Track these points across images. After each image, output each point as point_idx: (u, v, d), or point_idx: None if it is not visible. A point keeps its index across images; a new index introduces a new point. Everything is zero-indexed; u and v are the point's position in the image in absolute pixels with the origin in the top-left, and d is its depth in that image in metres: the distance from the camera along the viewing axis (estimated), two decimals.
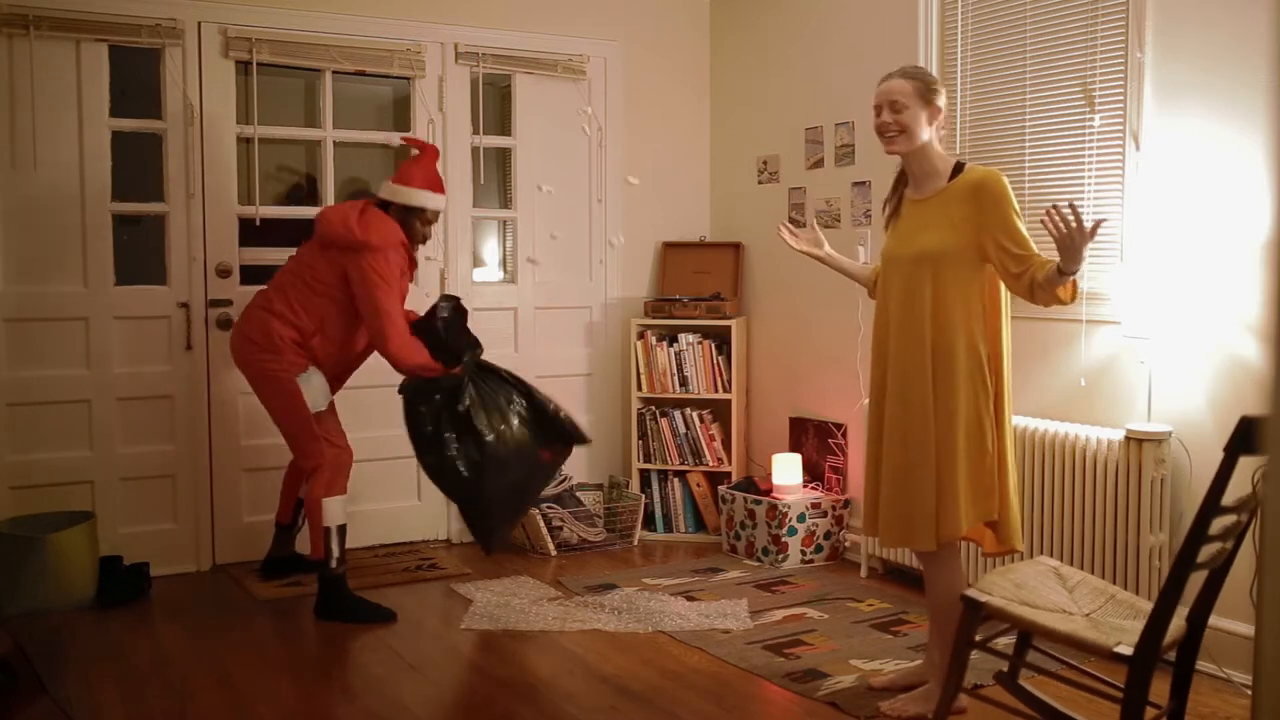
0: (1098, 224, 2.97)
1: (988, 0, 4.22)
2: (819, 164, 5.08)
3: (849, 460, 4.94)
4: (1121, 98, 3.74)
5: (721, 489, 5.15)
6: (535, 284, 5.42)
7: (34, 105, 4.39)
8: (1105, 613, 2.71)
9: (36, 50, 4.38)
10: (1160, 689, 2.73)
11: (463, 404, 4.11)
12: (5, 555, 4.16)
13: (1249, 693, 3.28)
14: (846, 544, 4.91)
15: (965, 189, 3.12)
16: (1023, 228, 3.07)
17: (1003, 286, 3.16)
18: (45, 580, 4.16)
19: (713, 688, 3.48)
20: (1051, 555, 3.84)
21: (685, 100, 5.75)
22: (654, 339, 5.40)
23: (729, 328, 5.35)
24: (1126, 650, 2.46)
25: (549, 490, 5.17)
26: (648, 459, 5.38)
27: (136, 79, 4.63)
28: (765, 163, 5.41)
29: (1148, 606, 2.56)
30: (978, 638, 2.81)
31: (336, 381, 4.34)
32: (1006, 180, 3.12)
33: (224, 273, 4.74)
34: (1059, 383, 3.98)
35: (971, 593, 2.75)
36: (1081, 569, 3.72)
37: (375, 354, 4.27)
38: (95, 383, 4.56)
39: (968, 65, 4.27)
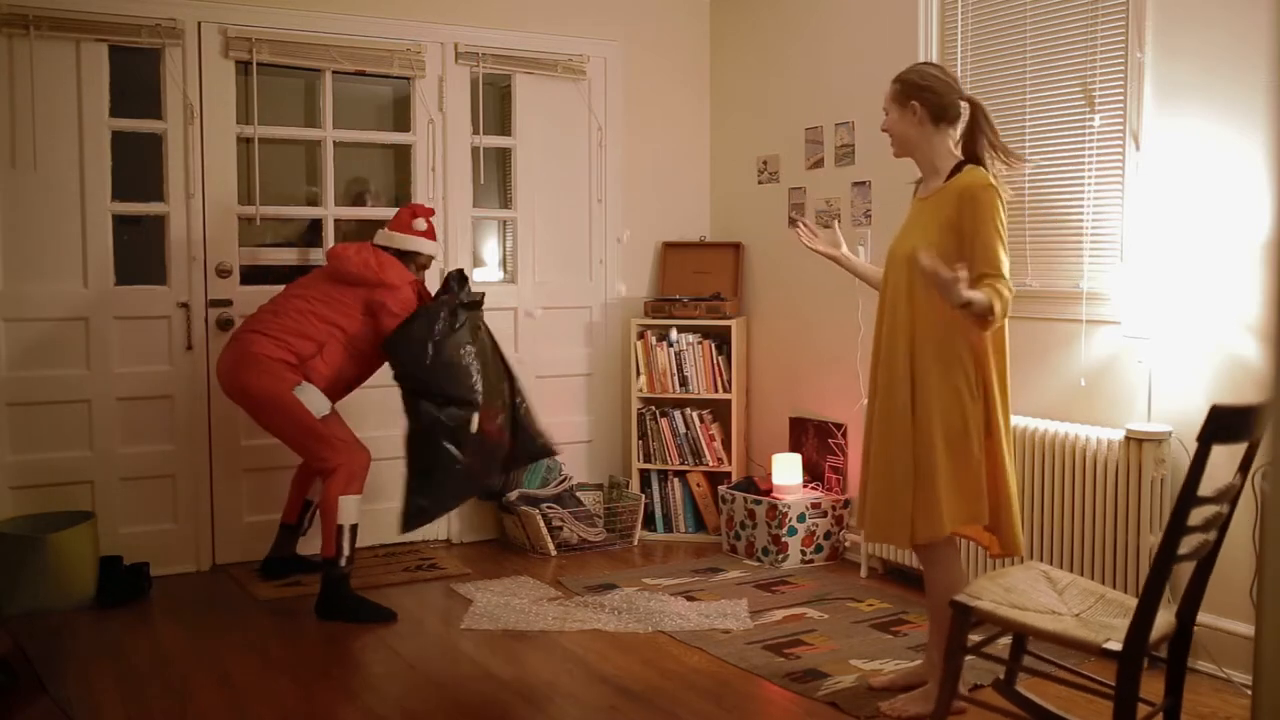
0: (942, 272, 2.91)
1: (988, 0, 4.22)
2: (819, 164, 5.08)
3: (849, 460, 4.94)
4: (1121, 98, 3.74)
5: (721, 489, 5.15)
6: (535, 284, 5.42)
7: (34, 105, 4.39)
8: (1095, 612, 2.71)
9: (36, 50, 4.38)
10: (1157, 688, 2.73)
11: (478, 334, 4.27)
12: (5, 555, 4.16)
13: (1249, 693, 3.28)
14: (846, 544, 4.91)
15: (954, 192, 3.12)
16: (996, 245, 3.03)
17: None
18: (45, 580, 4.17)
19: (713, 688, 3.48)
20: (1051, 555, 3.84)
21: (685, 100, 5.75)
22: (654, 339, 5.40)
23: (729, 328, 5.35)
24: (1115, 646, 2.47)
25: (549, 490, 5.17)
26: (648, 459, 5.38)
27: (136, 79, 4.62)
28: (765, 163, 5.41)
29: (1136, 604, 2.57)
30: (974, 642, 2.82)
31: (336, 396, 4.35)
32: (995, 190, 3.07)
33: (224, 273, 4.74)
34: (1059, 383, 3.98)
35: (961, 598, 2.76)
36: (1081, 569, 3.73)
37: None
38: (95, 383, 4.56)
39: (968, 65, 4.27)
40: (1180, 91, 3.58)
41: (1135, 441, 3.58)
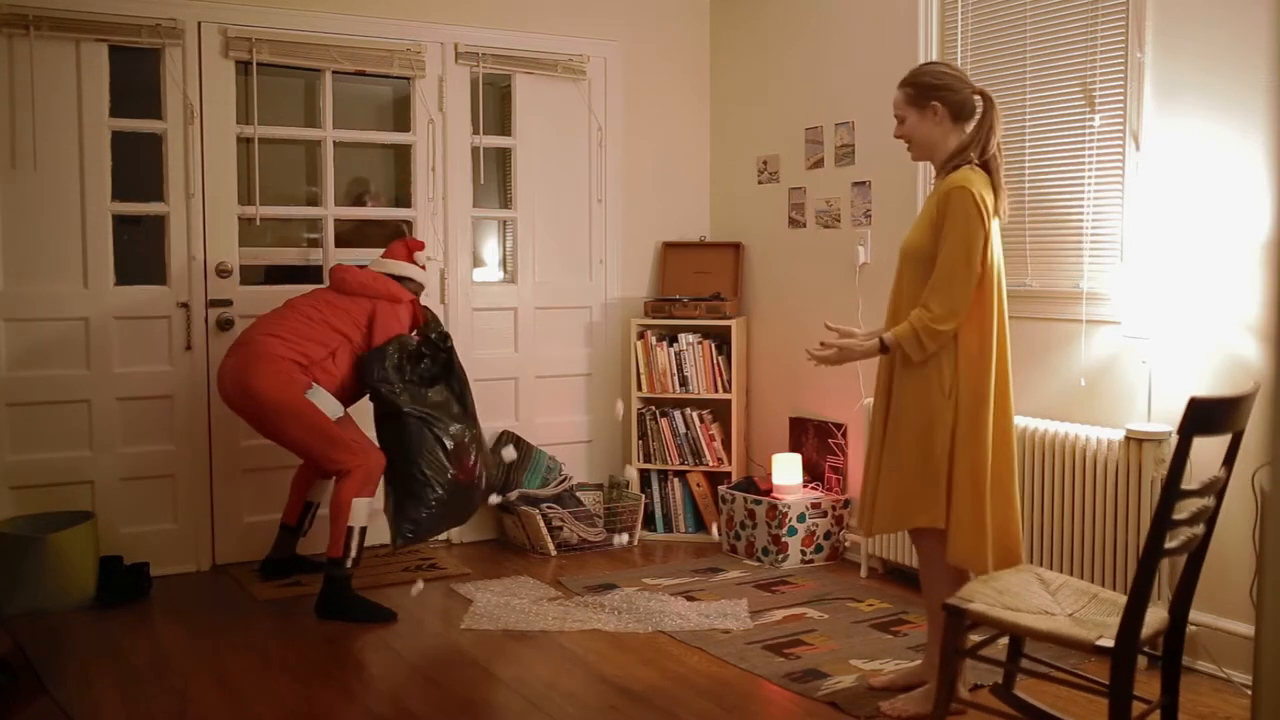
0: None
1: (988, 0, 4.22)
2: (819, 164, 5.08)
3: (849, 460, 4.94)
4: (1121, 98, 3.74)
5: (721, 489, 5.15)
6: (535, 284, 5.42)
7: (34, 105, 4.39)
8: (1088, 611, 2.72)
9: (36, 50, 4.38)
10: (1155, 686, 2.73)
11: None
12: (5, 555, 4.16)
13: (1249, 693, 3.28)
14: (846, 544, 4.91)
15: (940, 191, 3.13)
16: (950, 258, 3.03)
17: (999, 292, 3.14)
18: (45, 580, 4.17)
19: (713, 688, 3.48)
20: (1051, 555, 3.84)
21: (685, 100, 5.75)
22: (654, 339, 5.40)
23: (729, 328, 5.35)
24: (1108, 643, 2.48)
25: (549, 490, 5.17)
26: (648, 459, 5.38)
27: (136, 79, 4.62)
28: (765, 163, 5.41)
29: None
30: (972, 644, 2.82)
31: (347, 401, 4.36)
32: (968, 191, 3.05)
33: (224, 273, 4.74)
34: (1059, 383, 3.98)
35: (954, 601, 2.76)
36: (1081, 569, 3.73)
37: None
38: (95, 383, 4.56)
39: (968, 65, 4.27)
40: (1180, 91, 3.58)
41: (1135, 441, 3.58)
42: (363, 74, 5.01)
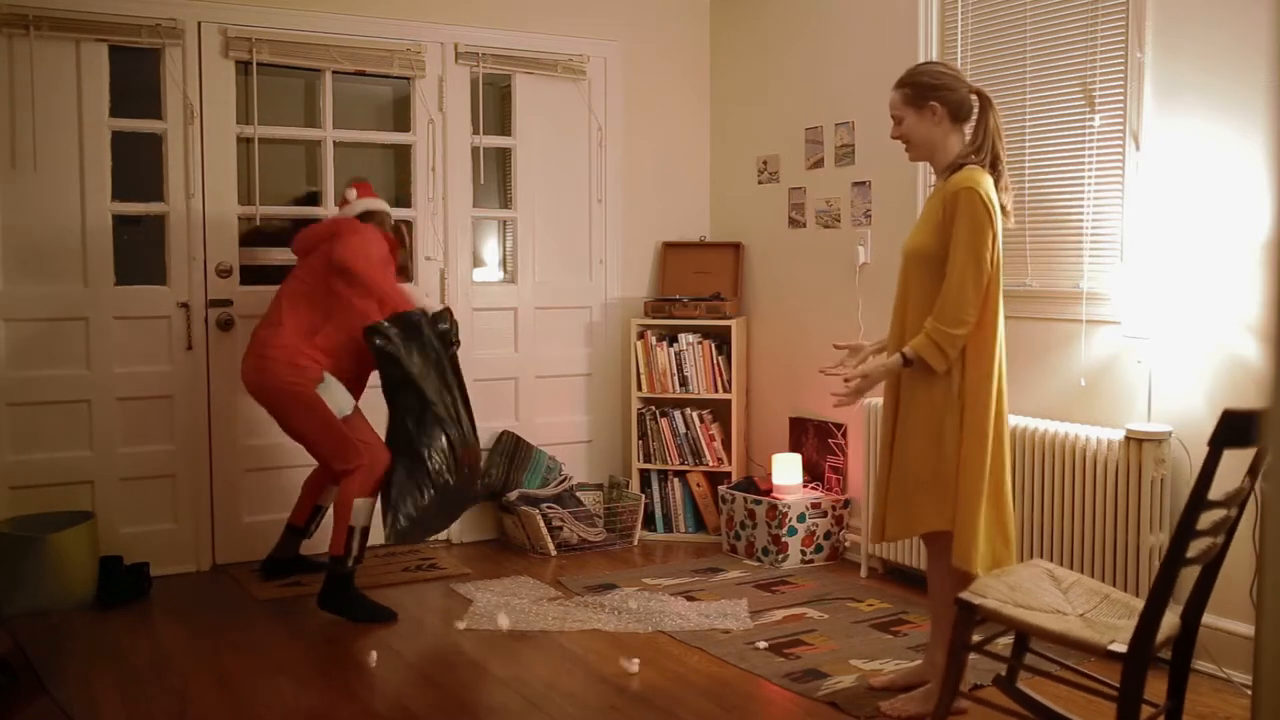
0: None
1: (988, 0, 4.22)
2: (819, 164, 5.08)
3: (849, 460, 4.94)
4: (1121, 98, 3.74)
5: (721, 489, 5.15)
6: (535, 284, 5.42)
7: (34, 105, 4.39)
8: (1099, 612, 2.71)
9: (36, 50, 4.38)
10: (1159, 688, 2.73)
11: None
12: (5, 555, 4.16)
13: (1249, 693, 3.28)
14: (846, 544, 4.91)
15: (946, 192, 3.11)
16: (961, 265, 3.02)
17: (998, 295, 3.14)
18: (45, 580, 4.16)
19: (713, 688, 3.48)
20: (1051, 555, 3.84)
21: (685, 100, 5.75)
22: (654, 339, 5.40)
23: (729, 328, 5.35)
24: (1120, 648, 2.47)
25: (549, 490, 5.17)
26: (648, 459, 5.38)
27: (136, 79, 4.63)
28: (765, 163, 5.41)
29: (1141, 605, 2.56)
30: (975, 640, 2.82)
31: (357, 383, 4.33)
32: (975, 192, 3.04)
33: (224, 273, 4.74)
34: (1059, 383, 3.98)
35: (965, 595, 2.75)
36: (1081, 569, 3.72)
37: None
38: (95, 383, 4.56)
39: (968, 65, 4.27)
40: (1180, 91, 3.58)
41: (1135, 441, 3.58)
42: (363, 74, 5.01)
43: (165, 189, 4.66)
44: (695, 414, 5.35)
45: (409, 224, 5.11)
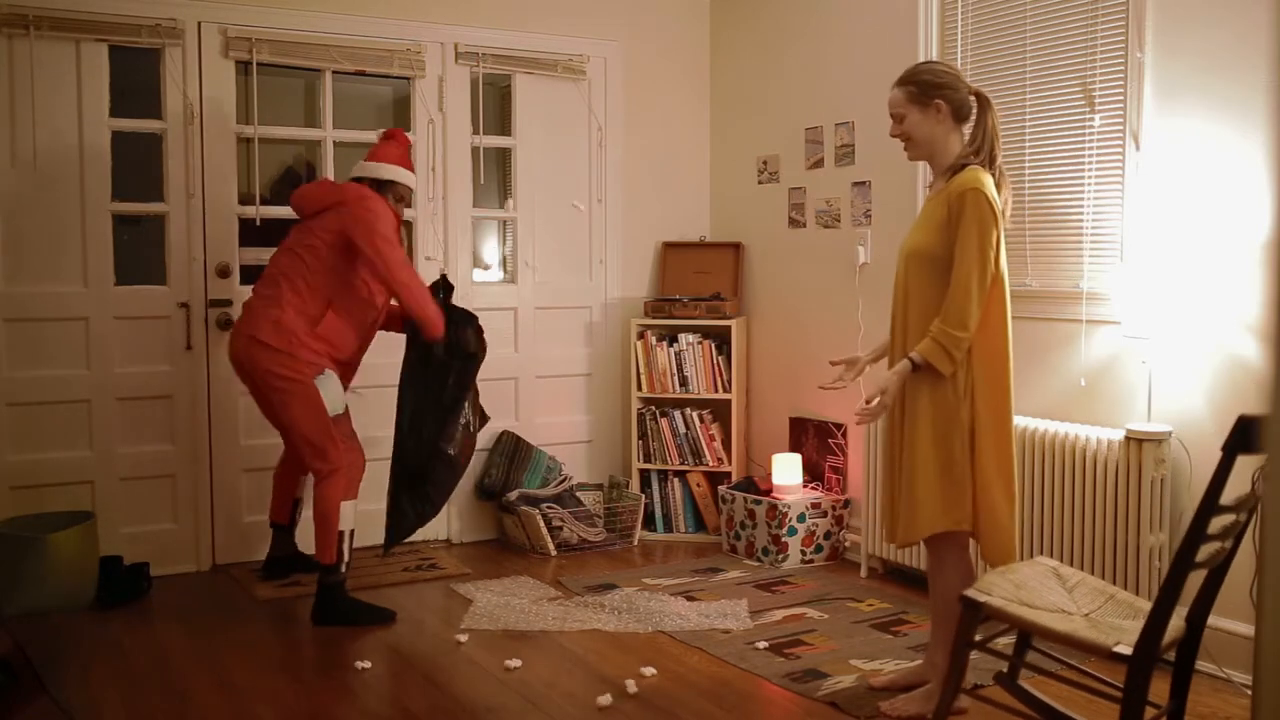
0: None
1: (988, 0, 4.22)
2: (819, 164, 5.08)
3: (849, 460, 4.94)
4: (1121, 98, 3.74)
5: (721, 489, 5.15)
6: (535, 284, 5.42)
7: (34, 105, 4.39)
8: (1104, 613, 2.70)
9: (36, 50, 4.38)
10: (1160, 689, 2.73)
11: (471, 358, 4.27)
12: (5, 555, 4.16)
13: (1249, 693, 3.28)
14: (846, 544, 4.91)
15: (950, 192, 3.11)
16: (967, 265, 3.02)
17: (1005, 293, 3.14)
18: (45, 580, 4.16)
19: (713, 688, 3.48)
20: (1051, 555, 3.84)
21: (685, 100, 5.75)
22: (654, 339, 5.40)
23: (729, 328, 5.35)
24: (1125, 650, 2.46)
25: (549, 490, 5.17)
26: (648, 459, 5.38)
27: (136, 79, 4.63)
28: (765, 163, 5.41)
29: (1147, 606, 2.56)
30: (978, 638, 2.81)
31: (348, 370, 4.26)
32: (980, 192, 3.04)
33: (224, 273, 4.74)
34: (1059, 383, 3.98)
35: (971, 593, 2.75)
36: (1081, 569, 3.72)
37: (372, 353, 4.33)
38: (95, 383, 4.56)
39: (968, 65, 4.27)
40: (1180, 91, 3.58)
41: (1135, 441, 3.58)
42: (363, 74, 5.01)
43: (165, 189, 4.66)
44: (695, 414, 5.35)
45: (409, 224, 5.11)
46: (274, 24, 4.78)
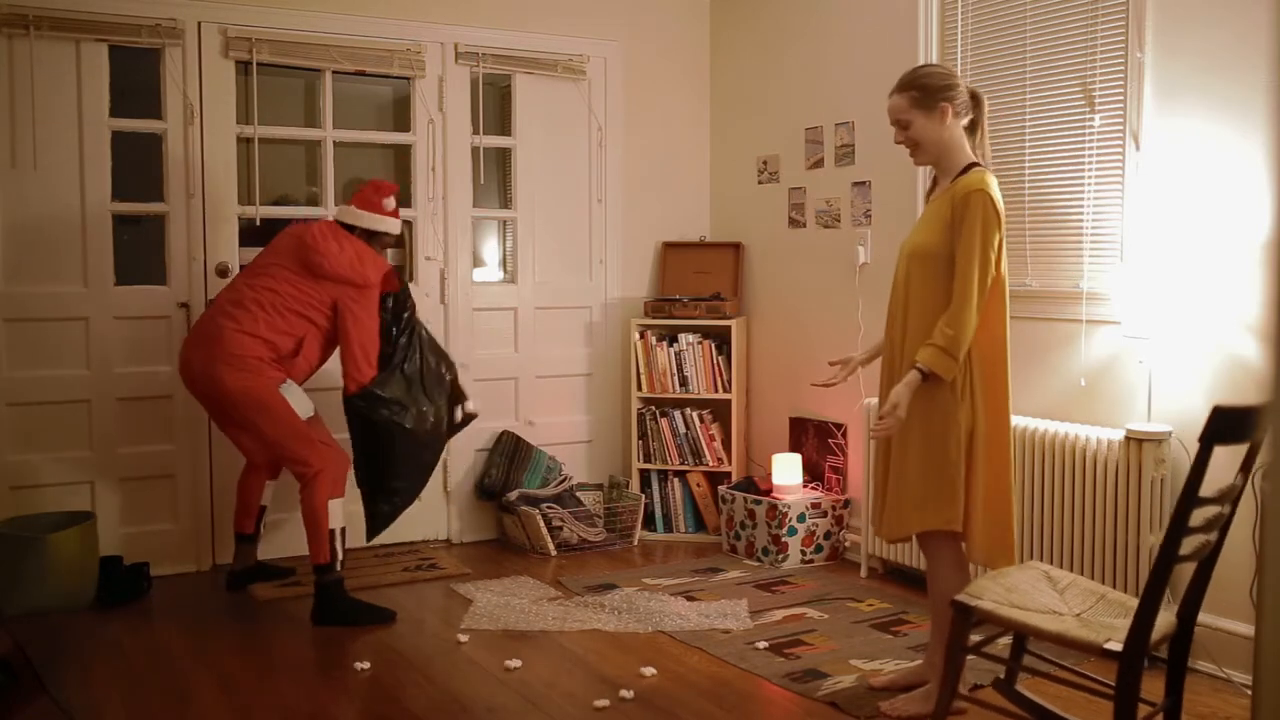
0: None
1: (988, 0, 4.22)
2: (819, 164, 5.08)
3: (849, 460, 4.94)
4: (1121, 98, 3.74)
5: (721, 489, 5.15)
6: (535, 284, 5.42)
7: (34, 105, 4.39)
8: (1096, 612, 2.71)
9: (36, 50, 4.38)
10: (1158, 688, 2.73)
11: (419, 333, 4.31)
12: (5, 555, 4.16)
13: (1249, 693, 3.28)
14: (846, 544, 4.91)
15: (955, 193, 3.10)
16: (968, 265, 3.01)
17: (1006, 295, 3.14)
18: (45, 580, 4.16)
19: (713, 688, 3.48)
20: (1051, 555, 3.84)
21: (685, 100, 5.75)
22: (654, 339, 5.40)
23: (729, 328, 5.35)
24: (1116, 646, 2.47)
25: (549, 490, 5.17)
26: (648, 459, 5.38)
27: (136, 79, 4.63)
28: (765, 163, 5.41)
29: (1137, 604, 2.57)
30: (974, 641, 2.82)
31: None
32: (985, 194, 3.04)
33: (224, 273, 4.74)
34: (1059, 383, 3.98)
35: (961, 598, 2.76)
36: (1081, 569, 3.73)
37: None
38: (95, 383, 4.56)
39: (968, 65, 4.27)
40: (1180, 91, 3.58)
41: (1135, 441, 3.58)
42: (363, 74, 5.01)
43: (165, 189, 4.66)
44: (695, 414, 5.35)
45: (409, 223, 5.11)
46: (274, 24, 4.78)
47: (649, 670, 3.58)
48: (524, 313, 5.40)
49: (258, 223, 4.84)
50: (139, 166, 4.67)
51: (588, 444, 5.57)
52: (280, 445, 4.08)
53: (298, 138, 5.18)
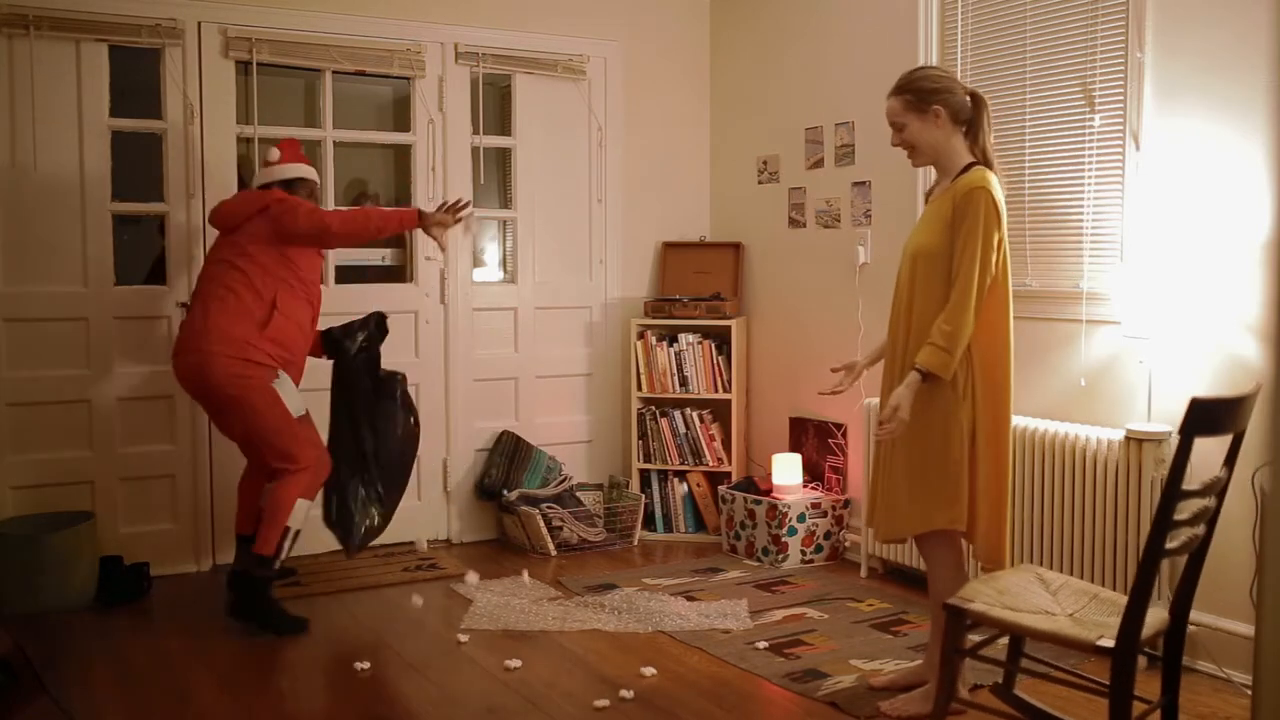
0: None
1: (988, 0, 4.22)
2: (819, 164, 5.08)
3: (849, 460, 4.94)
4: (1121, 98, 3.74)
5: (721, 489, 5.15)
6: (535, 284, 5.42)
7: (34, 105, 4.39)
8: (1089, 611, 2.72)
9: (36, 50, 4.38)
10: (1156, 686, 2.73)
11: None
12: (5, 555, 4.16)
13: (1249, 693, 3.28)
14: (846, 544, 4.91)
15: (956, 191, 3.11)
16: (969, 263, 3.02)
17: (1008, 294, 3.14)
18: (45, 580, 4.16)
19: (713, 688, 3.48)
20: (1051, 555, 3.84)
21: (685, 100, 5.75)
22: (654, 339, 5.40)
23: (729, 328, 5.35)
24: (1108, 643, 2.48)
25: (549, 490, 5.17)
26: (648, 459, 5.38)
27: (136, 79, 4.63)
28: (765, 163, 5.41)
29: None
30: (972, 644, 2.82)
31: (295, 372, 4.17)
32: (987, 191, 3.05)
33: None
34: (1059, 383, 3.98)
35: (954, 601, 2.76)
36: (1081, 569, 3.73)
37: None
38: (95, 383, 4.56)
39: (968, 65, 4.27)
40: (1180, 91, 3.58)
41: (1135, 441, 3.58)
42: (363, 74, 5.01)
43: (165, 189, 4.66)
44: (695, 414, 5.35)
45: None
46: (274, 24, 4.78)
47: (649, 670, 3.58)
48: (524, 313, 5.40)
49: None
50: (139, 166, 4.67)
51: (588, 444, 5.57)
52: (264, 439, 4.00)
53: (298, 138, 5.17)
